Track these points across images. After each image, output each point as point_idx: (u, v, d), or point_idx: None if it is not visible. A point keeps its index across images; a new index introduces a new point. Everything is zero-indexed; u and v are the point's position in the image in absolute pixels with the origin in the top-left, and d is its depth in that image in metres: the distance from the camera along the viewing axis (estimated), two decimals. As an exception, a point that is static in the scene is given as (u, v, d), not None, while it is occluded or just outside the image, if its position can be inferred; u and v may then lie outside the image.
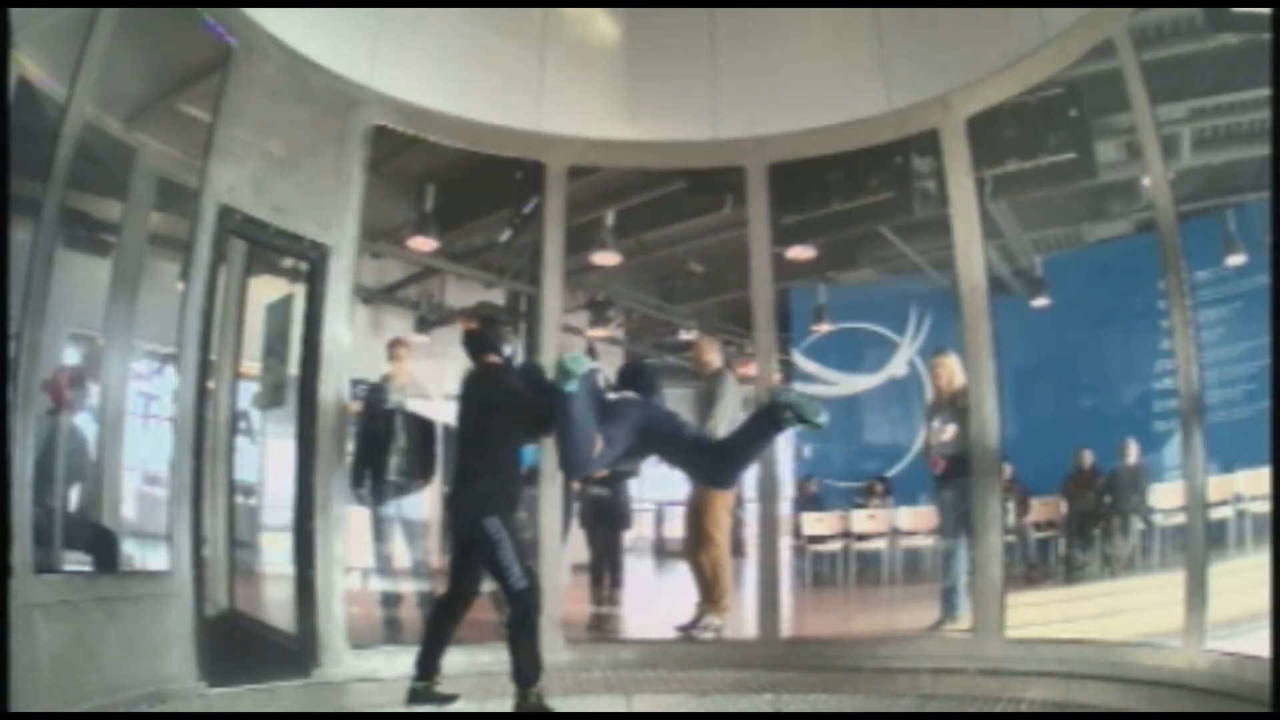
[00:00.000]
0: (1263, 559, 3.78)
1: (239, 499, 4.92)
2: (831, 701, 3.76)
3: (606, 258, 8.12)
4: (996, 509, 4.08)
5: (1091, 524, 7.61)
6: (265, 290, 5.25)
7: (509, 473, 3.51)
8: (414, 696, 3.44)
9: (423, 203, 7.31)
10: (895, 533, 8.09)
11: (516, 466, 3.62)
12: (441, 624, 3.53)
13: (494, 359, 3.60)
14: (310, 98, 4.05)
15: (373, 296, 9.27)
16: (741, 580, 6.31)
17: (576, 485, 6.10)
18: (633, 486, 6.94)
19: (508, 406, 3.45)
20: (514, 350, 3.72)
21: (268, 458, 5.64)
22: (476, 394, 3.55)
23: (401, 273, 9.44)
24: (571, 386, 3.01)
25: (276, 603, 4.44)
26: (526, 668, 3.26)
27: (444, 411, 4.78)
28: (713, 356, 5.36)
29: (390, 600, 5.17)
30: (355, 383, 4.56)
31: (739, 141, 4.68)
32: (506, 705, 3.74)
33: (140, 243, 4.35)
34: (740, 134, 4.68)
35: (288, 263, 5.00)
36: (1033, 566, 7.71)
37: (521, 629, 3.30)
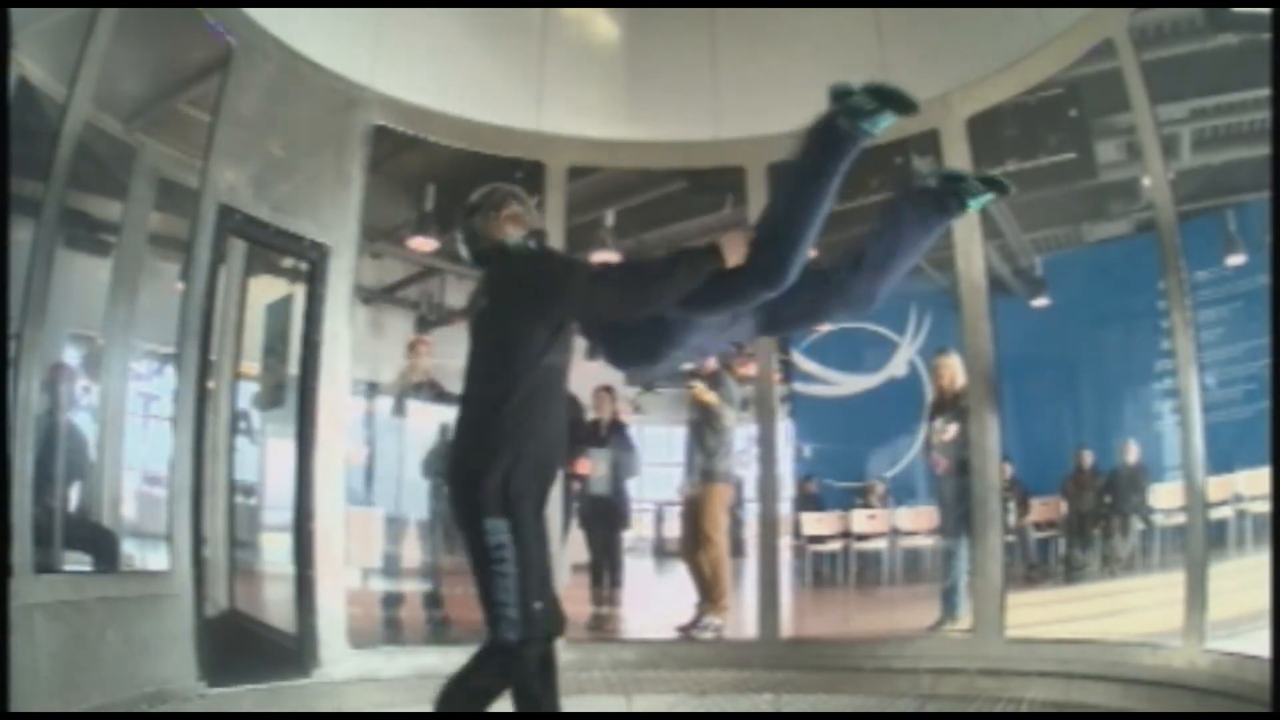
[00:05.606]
0: (1263, 559, 3.79)
1: (239, 499, 4.91)
2: (831, 701, 3.76)
3: (606, 258, 8.11)
4: (996, 509, 4.07)
5: (1091, 524, 7.61)
6: (265, 290, 5.24)
7: (531, 428, 2.16)
8: None
9: (423, 203, 7.30)
10: (895, 533, 8.09)
11: (543, 414, 2.22)
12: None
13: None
14: (310, 98, 4.04)
15: (373, 296, 9.26)
16: (741, 580, 6.30)
17: (577, 485, 6.07)
18: (633, 486, 6.92)
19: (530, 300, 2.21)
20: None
21: (268, 458, 5.63)
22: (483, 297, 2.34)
23: (401, 273, 9.43)
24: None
25: (276, 603, 4.44)
26: None
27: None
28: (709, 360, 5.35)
29: (391, 600, 5.17)
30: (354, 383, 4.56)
31: (739, 141, 4.67)
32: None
33: (140, 243, 4.35)
34: (740, 134, 4.66)
35: (288, 263, 5.00)
36: (1033, 566, 7.71)
37: (498, 682, 2.21)
